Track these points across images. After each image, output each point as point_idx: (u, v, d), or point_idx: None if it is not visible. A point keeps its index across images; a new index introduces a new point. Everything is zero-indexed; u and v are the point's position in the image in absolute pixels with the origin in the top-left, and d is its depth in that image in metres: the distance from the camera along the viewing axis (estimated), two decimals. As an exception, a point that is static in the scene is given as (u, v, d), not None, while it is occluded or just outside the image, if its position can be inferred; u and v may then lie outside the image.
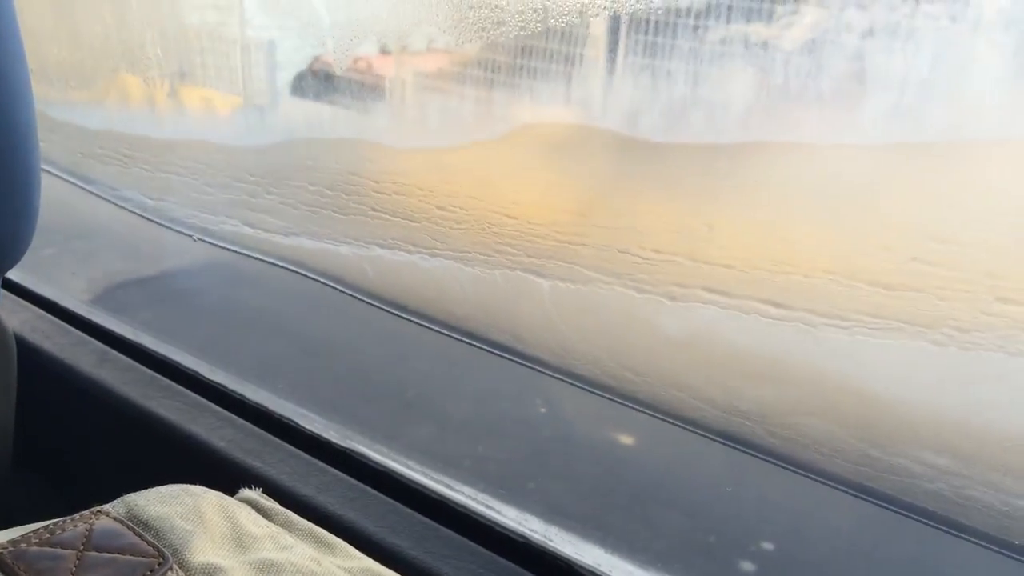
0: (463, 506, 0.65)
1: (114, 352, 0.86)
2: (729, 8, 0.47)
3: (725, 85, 0.48)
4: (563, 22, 0.51)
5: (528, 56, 0.55)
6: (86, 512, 0.43)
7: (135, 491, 0.44)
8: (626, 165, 0.55)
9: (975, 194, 0.44)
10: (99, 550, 0.40)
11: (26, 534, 0.40)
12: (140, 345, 0.87)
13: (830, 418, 0.50)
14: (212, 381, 0.81)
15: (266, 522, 0.46)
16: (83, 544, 0.40)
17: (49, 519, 0.42)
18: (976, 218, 0.43)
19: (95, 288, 1.06)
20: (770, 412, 0.52)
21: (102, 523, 0.42)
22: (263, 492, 0.48)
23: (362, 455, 0.71)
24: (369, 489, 0.66)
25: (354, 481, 0.67)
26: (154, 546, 0.40)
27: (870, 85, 0.44)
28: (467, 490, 0.66)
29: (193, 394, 0.79)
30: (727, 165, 0.51)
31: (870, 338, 0.46)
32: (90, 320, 0.92)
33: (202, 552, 0.41)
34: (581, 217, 0.57)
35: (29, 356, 0.74)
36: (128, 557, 0.39)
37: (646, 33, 0.51)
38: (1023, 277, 0.43)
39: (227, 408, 0.76)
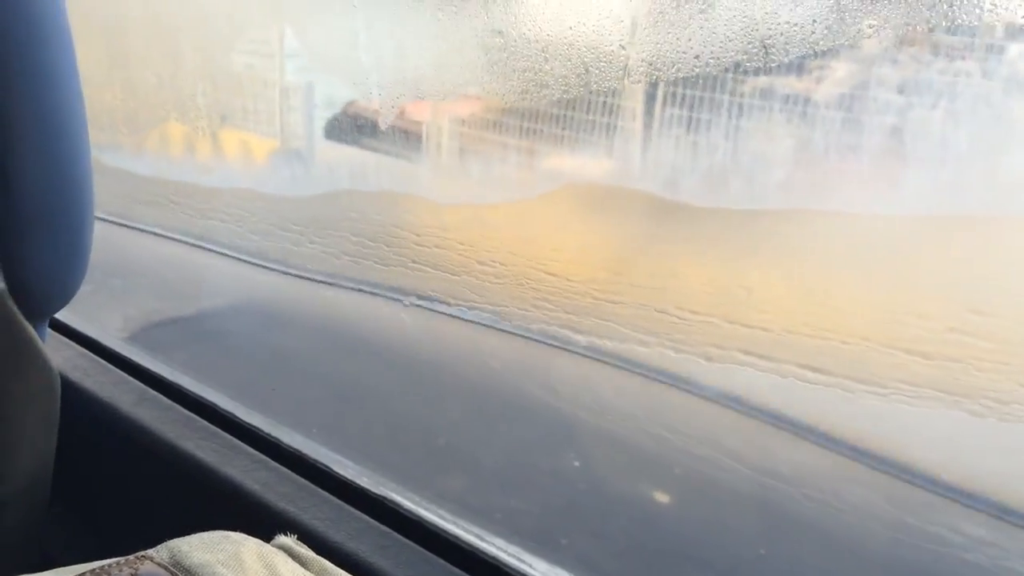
0: (494, 557, 0.65)
1: (152, 392, 0.87)
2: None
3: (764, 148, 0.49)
4: (605, 86, 0.53)
5: (569, 118, 0.57)
6: (131, 557, 0.43)
7: (169, 532, 0.45)
8: (665, 227, 0.56)
9: (1015, 268, 0.44)
10: (144, 596, 0.40)
11: (72, 577, 0.41)
12: (178, 385, 0.89)
13: (867, 484, 0.50)
14: (248, 424, 0.82)
15: (303, 571, 0.47)
16: (129, 589, 0.40)
17: (84, 557, 0.43)
18: (1015, 291, 0.44)
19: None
20: (806, 476, 0.52)
21: (147, 568, 0.42)
22: (296, 538, 0.49)
23: (395, 503, 0.71)
24: (401, 538, 0.66)
25: (386, 529, 0.67)
26: (197, 593, 0.41)
27: (910, 158, 0.45)
28: (499, 541, 0.66)
29: (229, 436, 0.80)
30: (766, 229, 0.51)
31: (908, 406, 0.46)
32: (130, 360, 0.94)
33: (242, 600, 0.41)
34: (619, 276, 0.58)
35: (70, 394, 0.76)
36: (172, 604, 0.40)
37: (682, 107, 0.52)
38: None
39: (262, 451, 0.77)
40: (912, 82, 0.45)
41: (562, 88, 0.53)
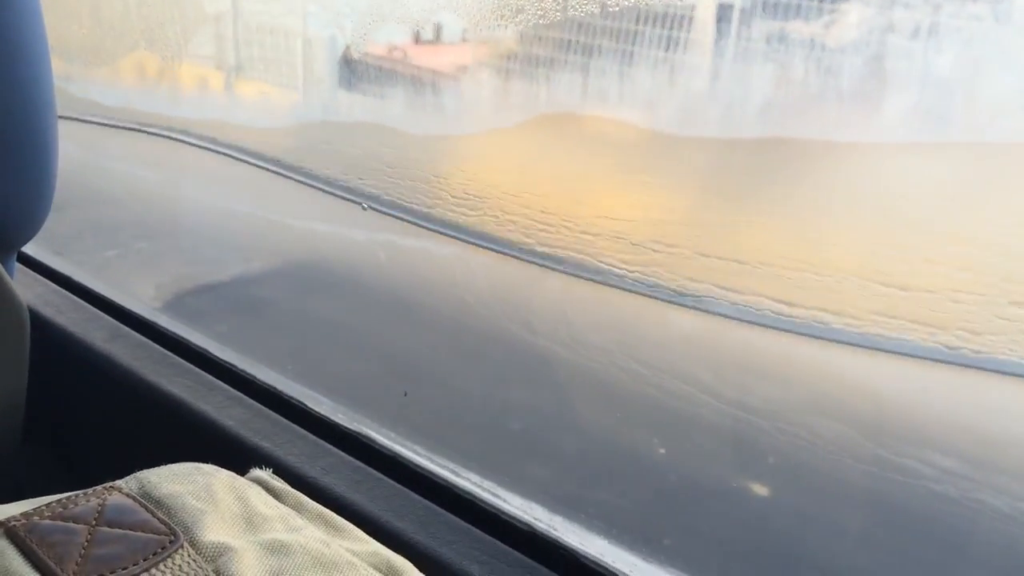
0: (468, 492, 0.65)
1: (126, 328, 0.86)
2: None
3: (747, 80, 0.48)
4: (583, 12, 0.51)
5: (546, 46, 0.55)
6: (99, 488, 0.43)
7: (143, 467, 0.45)
8: (644, 158, 0.55)
9: (995, 197, 0.44)
10: (111, 526, 0.40)
11: (38, 507, 0.41)
12: (152, 322, 0.88)
13: (840, 417, 0.50)
14: (222, 360, 0.82)
15: (276, 503, 0.47)
16: (95, 519, 0.40)
17: (58, 492, 0.42)
18: (994, 221, 0.43)
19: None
20: (779, 410, 0.52)
21: (114, 499, 0.42)
22: (272, 473, 0.49)
23: (369, 438, 0.71)
24: (375, 472, 0.66)
25: (360, 464, 0.67)
26: (166, 523, 0.41)
27: (891, 83, 0.44)
28: (473, 476, 0.67)
29: (203, 373, 0.79)
30: (744, 159, 0.51)
31: (882, 338, 0.46)
32: (103, 296, 0.93)
33: (213, 531, 0.41)
34: (595, 209, 0.57)
35: (42, 330, 0.75)
36: (139, 534, 0.40)
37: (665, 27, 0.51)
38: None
39: (236, 388, 0.77)
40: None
41: (538, 12, 0.52)
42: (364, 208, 0.74)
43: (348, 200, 0.75)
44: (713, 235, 0.51)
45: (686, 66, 0.50)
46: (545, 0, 0.51)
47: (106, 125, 1.01)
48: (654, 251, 0.53)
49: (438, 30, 0.63)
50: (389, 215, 0.72)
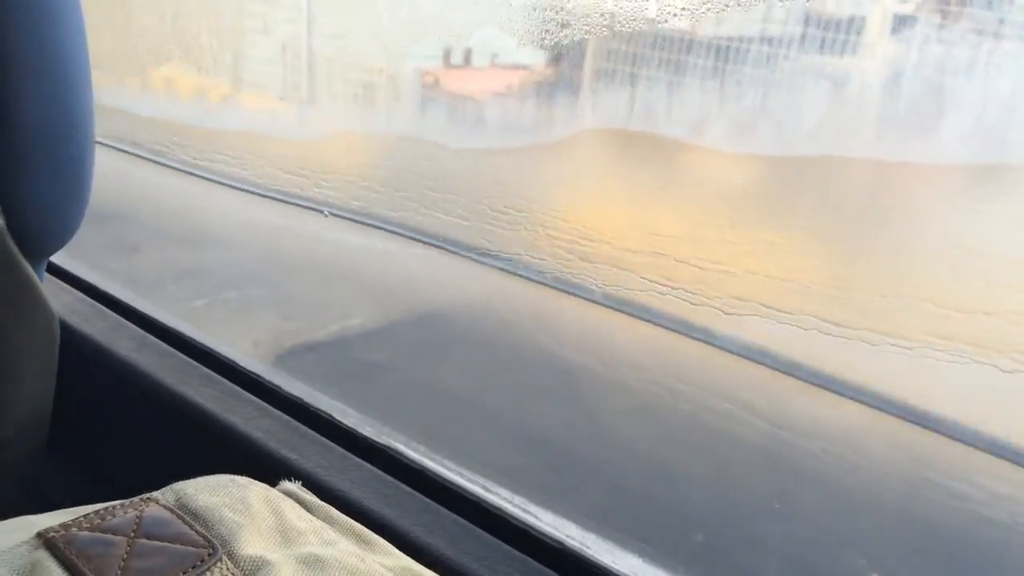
0: (499, 508, 0.65)
1: (152, 338, 0.86)
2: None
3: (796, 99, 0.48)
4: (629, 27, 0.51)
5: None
6: (136, 499, 0.42)
7: (168, 477, 0.44)
8: (687, 173, 0.54)
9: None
10: (149, 538, 0.40)
11: (76, 519, 0.40)
12: (178, 332, 0.88)
13: (887, 440, 0.49)
14: (249, 371, 0.81)
15: (309, 516, 0.46)
16: (134, 531, 0.40)
17: (82, 500, 0.42)
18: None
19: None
20: (824, 430, 0.51)
21: (152, 511, 0.41)
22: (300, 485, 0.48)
23: (397, 451, 0.71)
24: (403, 486, 0.66)
25: (389, 478, 0.67)
26: (204, 536, 0.40)
27: (948, 104, 0.43)
28: (503, 492, 0.66)
29: (230, 383, 0.79)
30: (792, 176, 0.50)
31: (935, 360, 0.45)
32: (129, 305, 0.93)
33: (251, 544, 0.41)
34: (637, 225, 0.57)
35: (69, 338, 0.75)
36: (178, 546, 0.39)
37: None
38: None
39: (263, 398, 0.76)
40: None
41: (583, 28, 0.51)
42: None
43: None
44: (760, 253, 0.51)
45: (732, 83, 0.50)
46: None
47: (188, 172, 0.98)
48: (699, 268, 0.52)
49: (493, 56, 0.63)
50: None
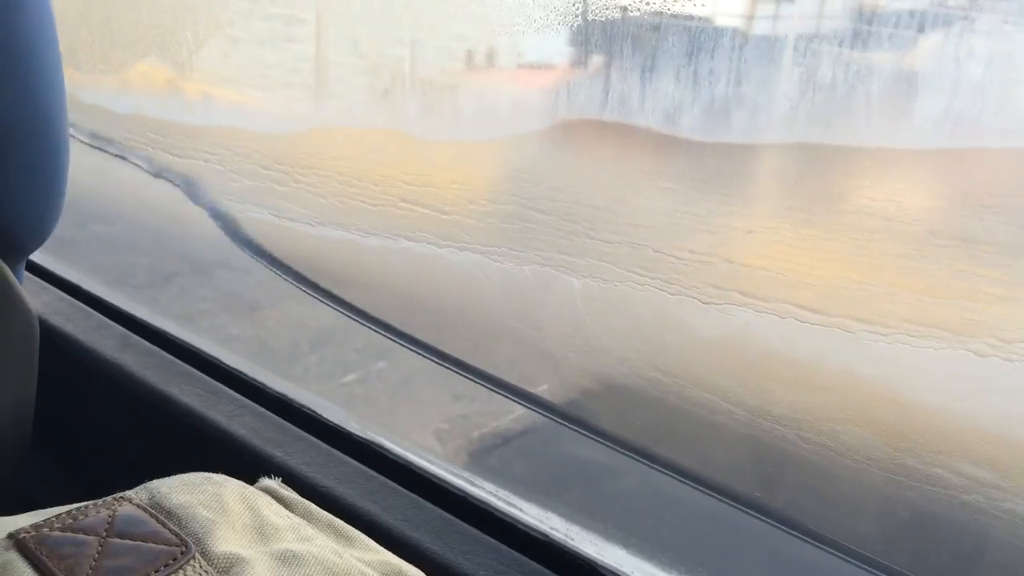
0: (484, 502, 0.64)
1: (136, 337, 0.86)
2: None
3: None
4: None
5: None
6: (109, 498, 0.42)
7: (153, 477, 0.44)
8: (664, 164, 0.54)
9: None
10: (122, 537, 0.39)
11: (48, 519, 0.40)
12: (161, 330, 0.87)
13: (866, 425, 0.49)
14: (232, 368, 0.81)
15: (287, 512, 0.46)
16: (106, 531, 0.39)
17: (66, 502, 0.42)
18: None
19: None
20: (803, 417, 0.51)
21: (125, 510, 0.41)
22: (282, 482, 0.48)
23: (382, 447, 0.70)
24: (388, 482, 0.65)
25: (374, 473, 0.66)
26: (177, 535, 0.40)
27: (921, 87, 0.43)
28: (488, 485, 0.66)
29: (213, 381, 0.78)
30: (766, 164, 0.50)
31: (910, 346, 0.45)
32: (112, 304, 0.92)
33: (225, 542, 0.41)
34: (615, 214, 0.56)
35: (50, 338, 0.74)
36: (151, 545, 0.39)
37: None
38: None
39: (247, 396, 0.76)
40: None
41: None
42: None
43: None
44: (737, 241, 0.50)
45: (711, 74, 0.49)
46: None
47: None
48: (676, 258, 0.52)
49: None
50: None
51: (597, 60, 0.55)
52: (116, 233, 1.13)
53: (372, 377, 0.87)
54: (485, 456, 0.77)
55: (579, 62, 0.55)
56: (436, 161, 0.66)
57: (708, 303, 0.51)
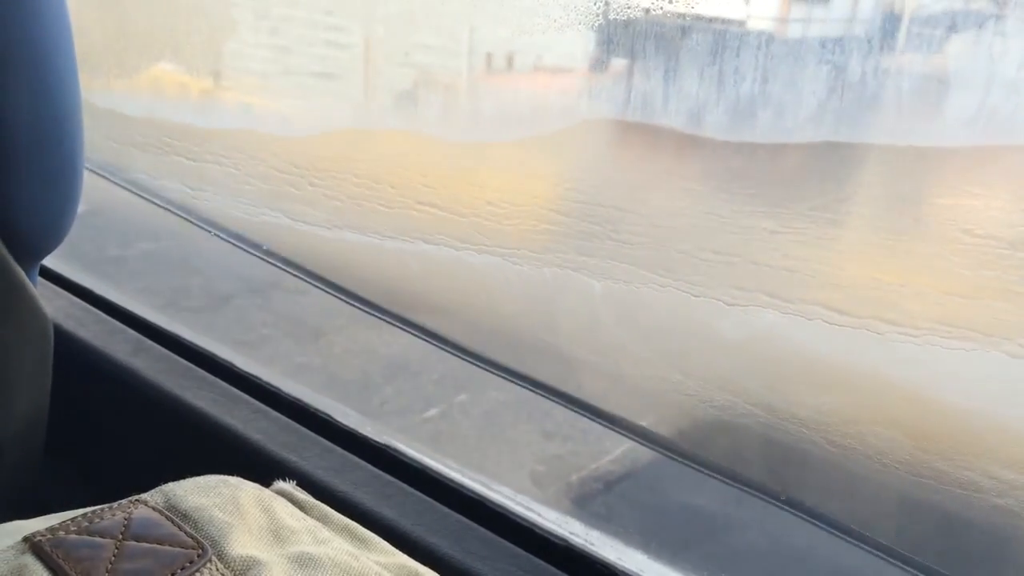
0: (501, 506, 0.64)
1: (149, 342, 0.85)
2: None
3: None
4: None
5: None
6: (124, 501, 0.42)
7: (167, 481, 0.44)
8: (687, 164, 0.53)
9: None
10: (138, 540, 0.39)
11: (64, 522, 0.40)
12: (175, 335, 0.87)
13: (895, 428, 0.48)
14: (247, 373, 0.81)
15: (303, 515, 0.45)
16: (122, 533, 0.39)
17: (80, 505, 0.41)
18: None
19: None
20: (831, 420, 0.50)
21: (140, 512, 0.41)
22: (298, 486, 0.48)
23: (398, 451, 0.70)
24: (406, 486, 0.65)
25: (390, 478, 0.66)
26: (193, 537, 0.39)
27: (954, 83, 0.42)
28: (505, 489, 0.65)
29: (228, 386, 0.78)
30: (792, 164, 0.49)
31: (941, 348, 0.44)
32: (126, 309, 0.92)
33: (241, 544, 0.40)
34: (637, 215, 0.56)
35: (64, 344, 0.74)
36: (167, 548, 0.39)
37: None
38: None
39: (262, 401, 0.76)
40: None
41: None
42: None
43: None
44: (761, 242, 0.49)
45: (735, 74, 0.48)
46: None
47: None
48: (700, 259, 0.51)
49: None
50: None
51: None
52: (164, 251, 1.09)
53: (455, 411, 0.82)
54: (584, 499, 0.73)
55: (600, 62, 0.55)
56: (457, 163, 0.65)
57: (732, 304, 0.51)
